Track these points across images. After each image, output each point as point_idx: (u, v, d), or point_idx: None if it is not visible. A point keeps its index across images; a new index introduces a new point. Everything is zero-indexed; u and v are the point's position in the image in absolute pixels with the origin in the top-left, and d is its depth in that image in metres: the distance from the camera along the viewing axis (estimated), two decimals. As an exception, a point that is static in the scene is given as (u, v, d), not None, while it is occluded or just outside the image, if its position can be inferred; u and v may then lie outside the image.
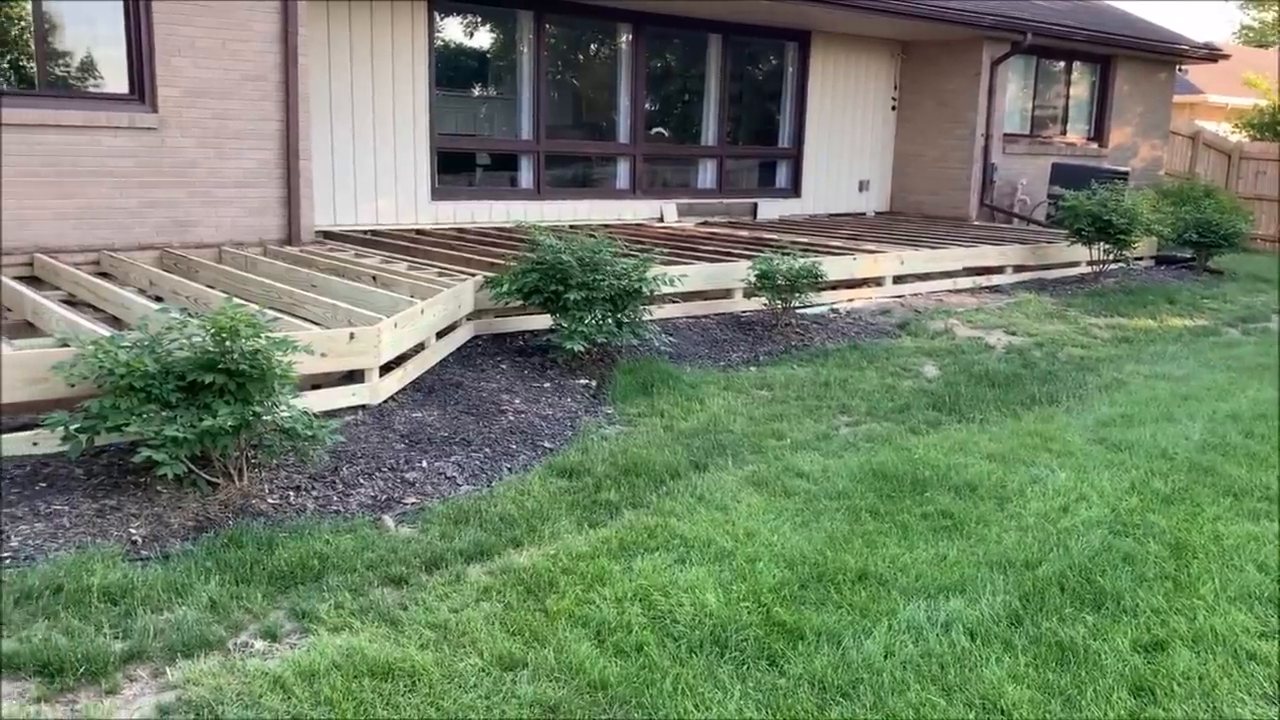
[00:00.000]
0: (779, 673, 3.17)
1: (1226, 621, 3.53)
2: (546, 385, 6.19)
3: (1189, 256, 12.24)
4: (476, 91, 11.70)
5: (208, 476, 4.21)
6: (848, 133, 14.25)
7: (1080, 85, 15.80)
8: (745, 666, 3.19)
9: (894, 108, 14.67)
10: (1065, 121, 15.75)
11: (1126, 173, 14.11)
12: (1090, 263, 11.02)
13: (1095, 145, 15.89)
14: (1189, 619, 3.55)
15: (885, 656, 3.27)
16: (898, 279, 9.50)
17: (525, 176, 11.62)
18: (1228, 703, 3.08)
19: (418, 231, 10.18)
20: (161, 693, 2.94)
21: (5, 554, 3.68)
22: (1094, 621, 3.52)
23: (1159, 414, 6.10)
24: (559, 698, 2.98)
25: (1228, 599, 3.72)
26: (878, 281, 9.35)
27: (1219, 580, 3.86)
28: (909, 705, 3.01)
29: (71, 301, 6.48)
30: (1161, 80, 16.48)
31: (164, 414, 3.98)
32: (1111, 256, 10.77)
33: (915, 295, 9.49)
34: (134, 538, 3.87)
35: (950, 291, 9.82)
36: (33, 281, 7.04)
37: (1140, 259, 12.02)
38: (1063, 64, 15.42)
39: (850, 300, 8.99)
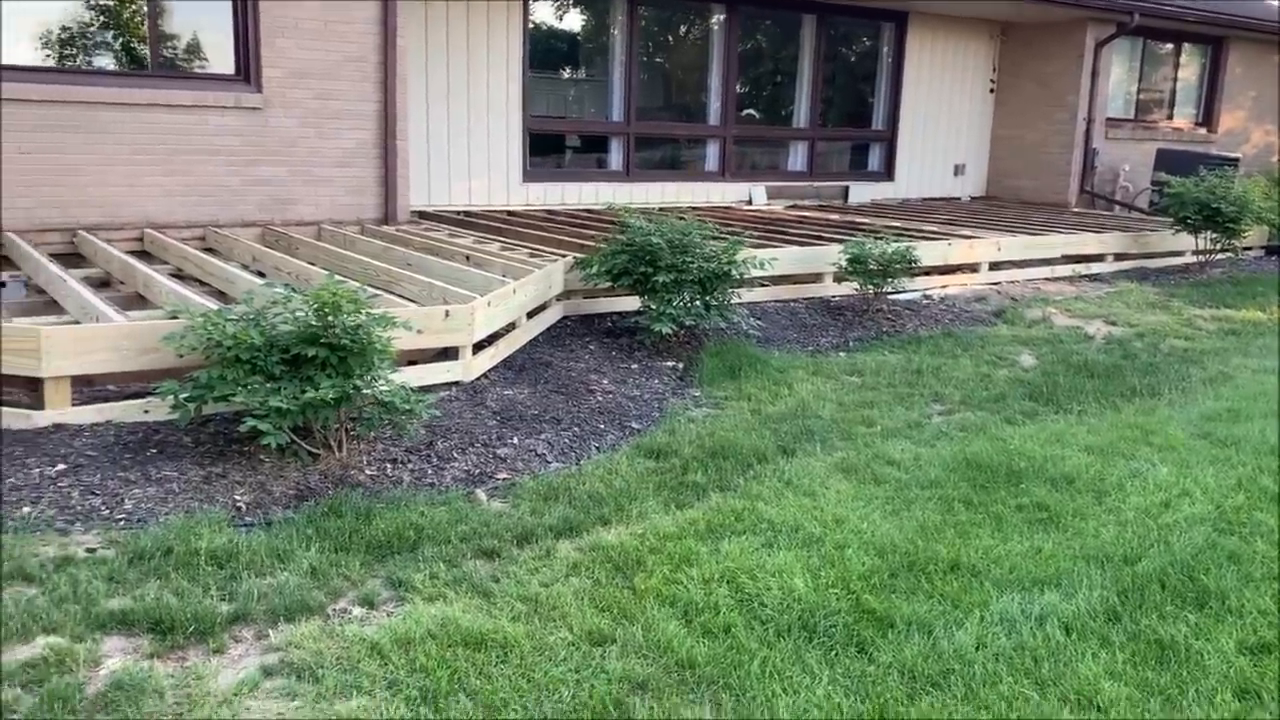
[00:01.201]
0: (868, 660, 3.15)
1: (1339, 626, 3.40)
2: (634, 366, 6.22)
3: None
4: (567, 74, 11.75)
5: (309, 447, 4.33)
6: (943, 115, 13.95)
7: (1189, 68, 15.21)
8: (834, 652, 3.18)
9: (992, 90, 14.32)
10: (1172, 105, 15.19)
11: (1237, 159, 13.55)
12: (1196, 252, 10.63)
13: (1204, 130, 15.30)
14: (1298, 622, 3.43)
15: (977, 648, 3.22)
16: (994, 265, 9.30)
17: (615, 158, 11.64)
18: (1339, 710, 2.97)
19: (509, 212, 10.29)
20: (265, 654, 3.05)
21: (120, 516, 3.85)
22: (1196, 620, 3.42)
23: (1267, 409, 5.88)
24: (647, 675, 3.01)
25: (1340, 603, 3.57)
26: (973, 268, 9.17)
27: (1331, 583, 3.71)
28: (1001, 698, 2.97)
29: (180, 275, 6.72)
30: (1277, 63, 15.77)
31: (268, 385, 4.11)
32: (1219, 246, 10.37)
33: (1012, 282, 9.28)
34: (238, 504, 4.01)
35: (1048, 279, 9.58)
36: (143, 256, 7.31)
37: (1249, 249, 11.55)
38: (1171, 45, 14.86)
39: (944, 286, 8.83)
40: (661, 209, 9.56)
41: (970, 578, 3.68)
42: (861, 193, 13.33)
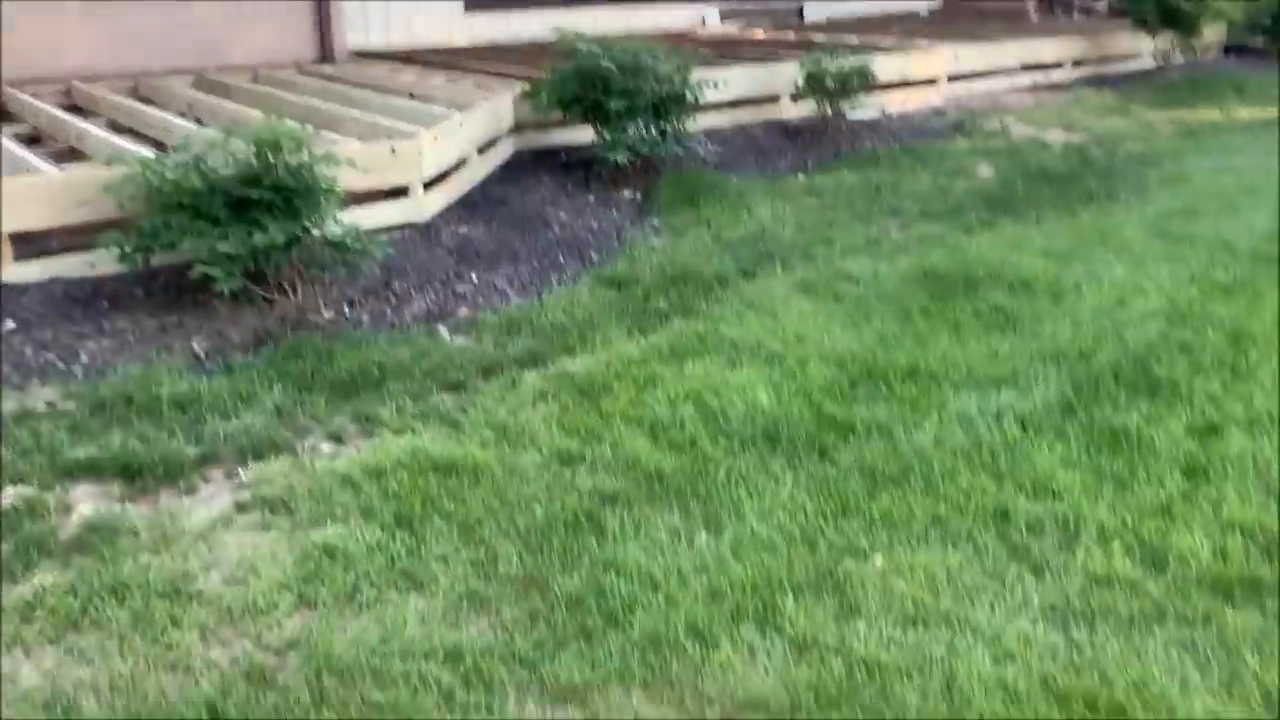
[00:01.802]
0: (830, 463, 3.23)
1: (1283, 405, 3.51)
2: (591, 198, 6.13)
3: (1262, 46, 11.57)
4: (506, -106, 11.10)
5: (263, 292, 4.26)
6: (899, -76, 13.43)
7: None
8: (797, 458, 3.26)
9: (949, -106, 13.75)
10: (1134, -99, 14.66)
11: (1199, -45, 13.20)
12: (1155, 54, 10.48)
13: (1166, -73, 14.83)
14: (1245, 404, 3.54)
15: (935, 446, 3.31)
16: (952, 78, 9.13)
17: (561, -15, 11.15)
18: (1280, 481, 3.09)
19: (452, 48, 9.91)
20: (237, 491, 3.08)
21: (76, 368, 3.80)
22: (1148, 409, 3.52)
23: (1222, 206, 5.92)
24: (617, 488, 3.08)
25: (1286, 384, 3.68)
26: (931, 82, 8.99)
27: (1277, 366, 3.81)
28: (959, 490, 3.07)
29: (114, 127, 6.45)
30: None
31: (215, 231, 4.01)
32: (1177, 47, 10.22)
33: (970, 95, 9.13)
34: (197, 351, 3.97)
35: (1007, 90, 9.43)
36: (72, 110, 7.00)
37: (1209, 48, 11.39)
38: None
39: (903, 102, 8.68)
40: (612, 36, 9.21)
41: (929, 381, 3.75)
42: (817, 10, 12.93)
